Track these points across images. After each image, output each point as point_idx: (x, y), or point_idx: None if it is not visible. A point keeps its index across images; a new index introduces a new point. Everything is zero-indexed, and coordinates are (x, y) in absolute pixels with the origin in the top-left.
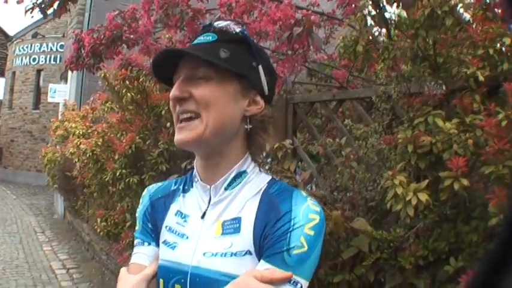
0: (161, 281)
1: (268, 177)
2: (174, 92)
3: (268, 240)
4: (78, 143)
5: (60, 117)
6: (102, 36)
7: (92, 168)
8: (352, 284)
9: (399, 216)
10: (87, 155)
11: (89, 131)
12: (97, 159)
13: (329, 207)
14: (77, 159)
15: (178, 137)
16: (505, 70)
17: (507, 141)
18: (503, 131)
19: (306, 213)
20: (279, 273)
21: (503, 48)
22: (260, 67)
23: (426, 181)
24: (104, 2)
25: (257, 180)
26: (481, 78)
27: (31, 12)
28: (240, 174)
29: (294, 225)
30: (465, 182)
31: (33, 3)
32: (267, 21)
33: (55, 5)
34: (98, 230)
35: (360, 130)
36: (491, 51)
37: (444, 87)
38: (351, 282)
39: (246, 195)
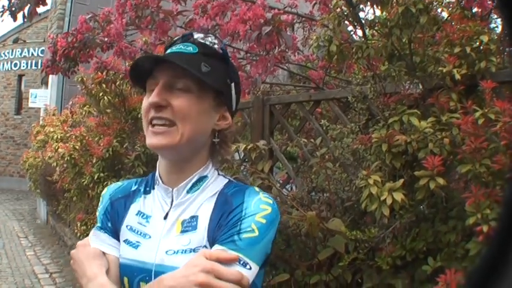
0: (125, 279)
1: (226, 180)
2: (153, 98)
3: (222, 229)
4: (57, 147)
5: (41, 122)
6: (75, 40)
7: (71, 172)
8: (329, 285)
9: (376, 216)
10: (65, 159)
11: (67, 135)
12: (75, 163)
13: (305, 208)
14: (55, 164)
15: (153, 141)
16: (482, 68)
17: (484, 139)
18: (480, 129)
19: (258, 204)
20: (226, 253)
21: (481, 47)
22: (233, 85)
23: (401, 180)
24: (84, 6)
25: (215, 183)
26: (457, 76)
27: (1, 16)
28: (202, 179)
29: (245, 214)
30: (441, 181)
31: (3, 7)
32: (237, 20)
33: (25, 10)
34: (78, 234)
35: (336, 130)
36: (468, 49)
37: (420, 86)
38: (328, 282)
39: (205, 197)
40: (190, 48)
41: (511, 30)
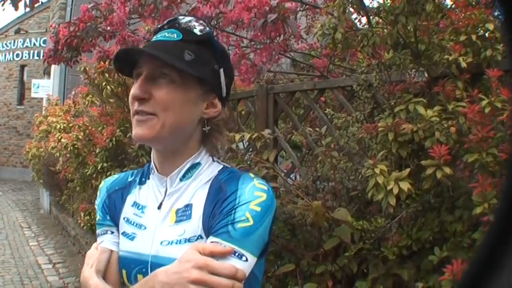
0: (124, 271)
1: (220, 166)
2: (135, 91)
3: (216, 218)
4: (59, 137)
5: (43, 113)
6: (77, 29)
7: (74, 162)
8: (335, 275)
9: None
10: (68, 149)
11: (70, 125)
12: (78, 153)
13: (310, 197)
14: (58, 154)
15: (136, 131)
16: (488, 56)
17: (491, 128)
18: (487, 118)
19: (252, 191)
20: (220, 247)
21: (487, 34)
22: (221, 70)
23: (408, 170)
24: None
25: (209, 170)
26: (463, 64)
27: (2, 5)
28: (195, 166)
29: (239, 202)
30: (448, 170)
31: None
32: (241, 8)
33: None
34: (82, 224)
35: (341, 119)
36: (473, 37)
37: (426, 75)
38: (333, 272)
39: (198, 184)
40: (174, 35)
41: (507, 19)
